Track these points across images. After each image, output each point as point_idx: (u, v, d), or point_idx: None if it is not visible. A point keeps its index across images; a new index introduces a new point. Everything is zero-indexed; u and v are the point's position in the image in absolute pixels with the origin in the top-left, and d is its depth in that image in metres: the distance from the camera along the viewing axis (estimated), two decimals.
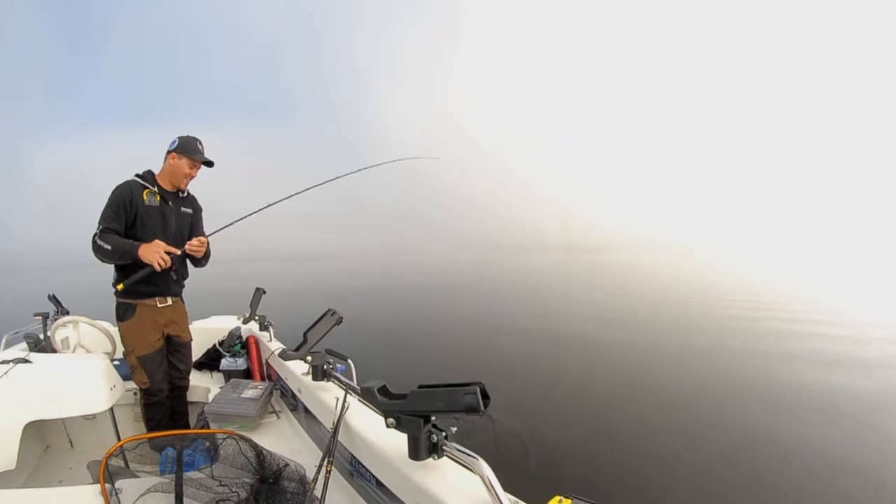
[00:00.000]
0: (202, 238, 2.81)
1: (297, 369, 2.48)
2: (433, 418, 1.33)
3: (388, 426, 1.36)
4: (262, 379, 3.21)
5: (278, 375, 2.88)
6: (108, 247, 2.45)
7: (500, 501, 1.10)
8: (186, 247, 2.73)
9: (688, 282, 25.30)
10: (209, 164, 2.81)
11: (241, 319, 3.87)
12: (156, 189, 2.69)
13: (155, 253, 2.48)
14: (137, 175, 2.70)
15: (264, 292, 3.75)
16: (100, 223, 2.52)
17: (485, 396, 1.19)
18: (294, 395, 2.53)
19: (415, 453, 1.32)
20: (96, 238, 2.48)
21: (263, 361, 3.25)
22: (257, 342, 3.37)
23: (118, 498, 1.66)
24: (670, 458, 4.15)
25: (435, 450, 1.30)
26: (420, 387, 1.30)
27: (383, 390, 1.42)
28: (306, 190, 3.37)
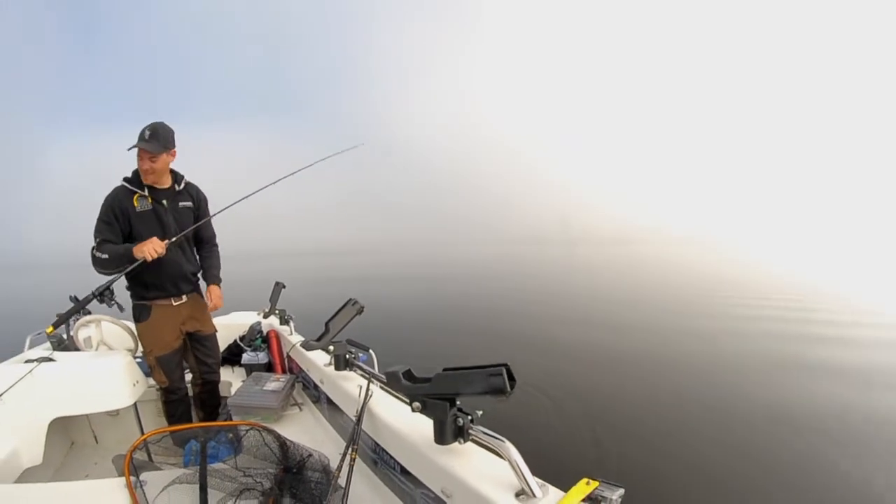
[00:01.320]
0: (216, 293, 2.84)
1: (319, 360, 2.48)
2: (458, 402, 1.30)
3: (413, 410, 1.35)
4: (284, 372, 3.22)
5: (300, 368, 2.88)
6: (105, 255, 2.41)
7: (528, 484, 1.09)
8: (210, 305, 2.81)
9: (705, 274, 24.93)
10: (152, 150, 2.46)
11: (262, 314, 3.87)
12: (145, 192, 2.57)
13: (148, 245, 2.40)
14: (125, 179, 2.59)
15: (284, 286, 3.74)
16: (95, 236, 2.49)
17: (510, 378, 1.16)
18: (316, 387, 2.52)
19: (440, 437, 1.30)
20: (94, 251, 2.44)
21: (284, 355, 3.26)
22: (278, 336, 3.37)
23: (143, 490, 1.66)
24: (696, 452, 4.09)
25: (461, 433, 1.28)
26: (445, 370, 1.28)
27: (408, 374, 1.40)
28: (268, 186, 3.15)
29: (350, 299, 2.28)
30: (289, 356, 3.12)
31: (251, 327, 3.62)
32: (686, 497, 3.44)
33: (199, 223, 2.79)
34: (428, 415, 1.32)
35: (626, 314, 11.58)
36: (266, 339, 3.50)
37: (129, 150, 2.46)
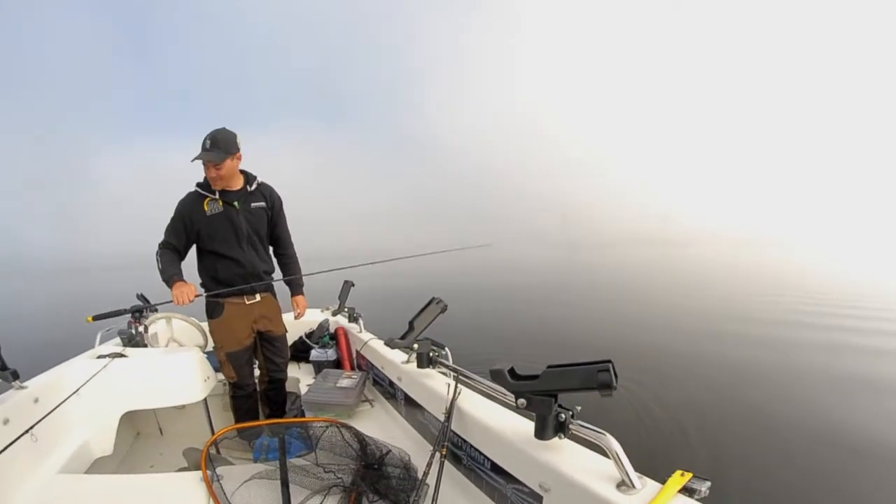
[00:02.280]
0: (302, 303, 3.00)
1: (396, 358, 2.46)
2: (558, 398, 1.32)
3: (518, 406, 1.36)
4: (352, 368, 3.21)
5: (370, 364, 2.86)
6: (160, 266, 2.50)
7: (629, 476, 1.12)
8: (297, 314, 2.99)
9: (768, 275, 23.71)
10: (214, 159, 2.47)
11: (331, 312, 3.89)
12: (216, 196, 2.59)
13: (178, 290, 2.45)
14: (198, 184, 2.62)
15: (353, 285, 3.74)
16: (164, 234, 2.58)
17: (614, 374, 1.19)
18: (391, 384, 2.50)
19: (541, 433, 1.31)
20: (158, 250, 2.55)
21: (353, 352, 3.25)
22: (346, 333, 3.37)
23: (220, 484, 1.66)
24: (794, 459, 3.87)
25: (561, 429, 1.30)
26: (549, 367, 1.30)
27: (512, 372, 1.41)
28: (394, 259, 3.60)
29: (434, 298, 2.28)
30: (358, 353, 3.10)
31: (320, 324, 3.64)
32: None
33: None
34: (532, 411, 1.33)
35: (697, 311, 11.31)
36: (334, 337, 3.50)
37: (193, 161, 2.48)
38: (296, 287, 2.99)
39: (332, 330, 3.64)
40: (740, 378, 5.92)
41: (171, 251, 2.57)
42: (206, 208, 2.56)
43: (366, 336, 3.03)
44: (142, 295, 3.55)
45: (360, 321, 3.34)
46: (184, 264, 2.63)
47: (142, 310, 2.84)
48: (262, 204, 2.74)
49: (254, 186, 2.70)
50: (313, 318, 3.90)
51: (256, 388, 2.90)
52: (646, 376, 5.83)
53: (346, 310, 3.64)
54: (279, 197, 2.84)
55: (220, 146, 2.46)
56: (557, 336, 8.88)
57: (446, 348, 2.24)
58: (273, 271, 2.90)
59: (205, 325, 3.26)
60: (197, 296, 2.48)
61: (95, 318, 2.54)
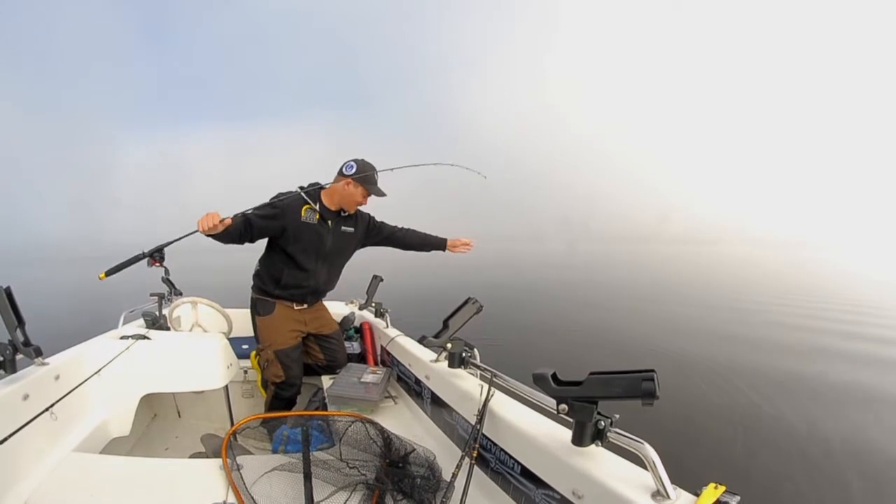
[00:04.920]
0: (459, 240, 3.01)
1: (425, 356, 2.43)
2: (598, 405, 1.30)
3: (559, 412, 1.34)
4: (376, 364, 3.19)
5: (396, 361, 2.84)
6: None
7: (664, 486, 1.10)
8: (461, 248, 2.99)
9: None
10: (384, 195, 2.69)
11: (356, 305, 3.87)
12: (317, 207, 2.63)
13: (207, 216, 2.21)
14: (301, 187, 2.64)
15: (381, 280, 3.73)
16: (250, 210, 2.47)
17: None
18: (418, 381, 2.47)
19: (579, 439, 1.29)
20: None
21: (378, 347, 3.24)
22: (372, 328, 3.36)
23: (241, 474, 1.64)
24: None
25: (599, 436, 1.29)
26: (592, 373, 1.29)
27: (555, 377, 1.39)
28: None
29: (469, 298, 2.27)
30: (383, 348, 3.08)
31: (345, 318, 3.62)
32: None
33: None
34: (572, 417, 1.32)
35: (734, 315, 11.35)
36: (359, 331, 3.49)
37: (370, 192, 2.62)
38: (436, 240, 3.05)
39: (357, 324, 3.62)
40: (776, 390, 5.85)
41: (245, 219, 2.41)
42: (302, 214, 2.60)
43: (392, 332, 3.01)
44: (167, 279, 3.57)
45: (387, 317, 3.33)
46: (245, 254, 2.61)
47: (161, 249, 2.71)
48: (352, 230, 2.80)
49: (350, 211, 2.76)
50: (339, 310, 3.89)
51: (300, 391, 2.91)
52: (674, 381, 5.85)
53: (373, 304, 3.63)
54: (369, 219, 2.94)
55: None
56: (582, 338, 8.81)
57: (475, 349, 2.22)
58: (333, 289, 2.98)
59: (230, 311, 3.26)
60: (223, 223, 2.24)
61: (108, 272, 2.44)
